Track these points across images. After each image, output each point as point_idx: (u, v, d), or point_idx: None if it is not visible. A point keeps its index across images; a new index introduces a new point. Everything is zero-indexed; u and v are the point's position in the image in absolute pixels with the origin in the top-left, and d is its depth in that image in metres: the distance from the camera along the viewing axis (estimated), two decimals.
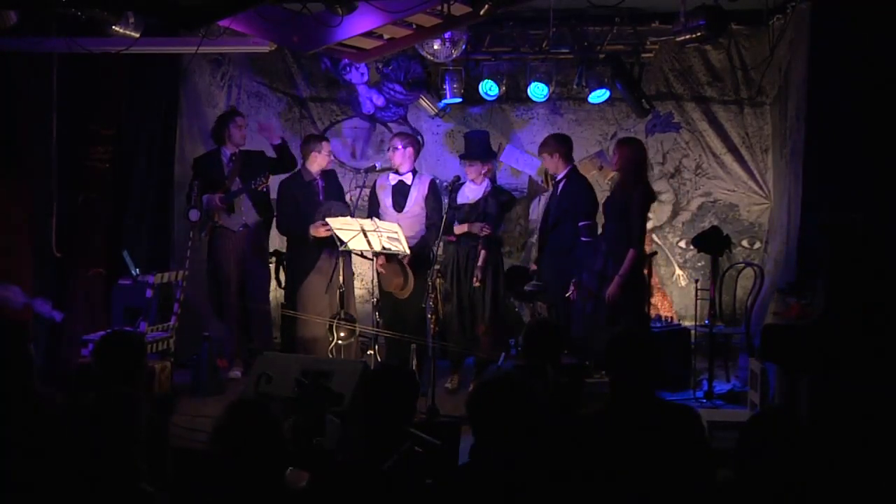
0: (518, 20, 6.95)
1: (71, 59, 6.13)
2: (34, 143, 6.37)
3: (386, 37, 6.17)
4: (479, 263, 6.25)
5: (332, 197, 6.62)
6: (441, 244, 6.11)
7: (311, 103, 7.87)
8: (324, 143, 6.63)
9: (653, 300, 6.74)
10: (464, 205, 6.38)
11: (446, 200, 6.48)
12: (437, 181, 6.88)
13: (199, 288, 6.99)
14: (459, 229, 6.33)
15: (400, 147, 6.55)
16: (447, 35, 6.58)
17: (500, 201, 6.39)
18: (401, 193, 6.58)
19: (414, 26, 5.99)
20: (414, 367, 5.97)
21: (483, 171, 6.42)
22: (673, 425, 3.14)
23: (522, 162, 7.56)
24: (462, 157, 6.60)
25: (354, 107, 7.64)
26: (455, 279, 6.36)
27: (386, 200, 6.61)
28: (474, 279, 6.24)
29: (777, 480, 2.55)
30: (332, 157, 6.85)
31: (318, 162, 6.57)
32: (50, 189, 6.33)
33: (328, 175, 6.72)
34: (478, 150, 6.46)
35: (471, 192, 6.42)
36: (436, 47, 6.77)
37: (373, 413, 3.10)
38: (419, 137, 7.64)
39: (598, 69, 7.16)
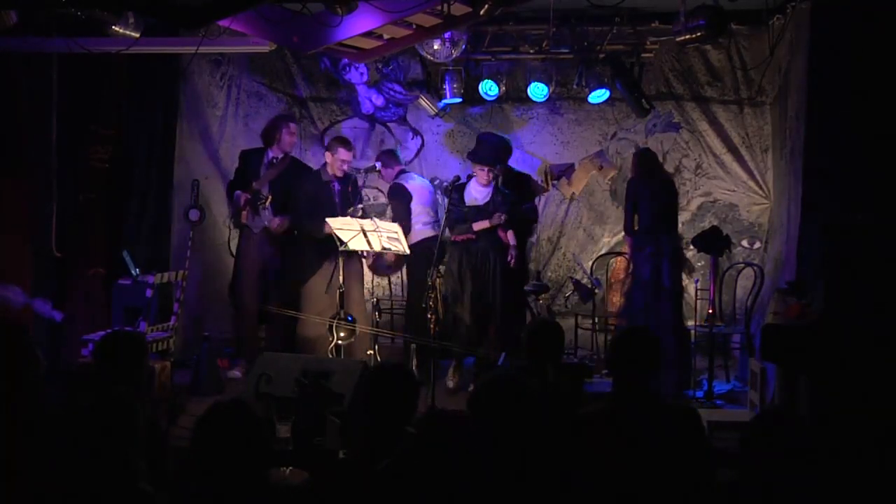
0: (518, 20, 6.95)
1: (71, 59, 6.13)
2: (34, 143, 6.36)
3: (386, 37, 6.17)
4: (513, 243, 6.29)
5: (346, 202, 6.52)
6: (442, 243, 6.09)
7: (310, 103, 7.87)
8: (340, 149, 6.53)
9: None
10: (471, 207, 6.36)
11: (446, 199, 6.46)
12: (437, 181, 6.88)
13: (199, 288, 6.99)
14: (479, 226, 6.32)
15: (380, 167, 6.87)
16: (447, 35, 6.58)
17: (507, 199, 6.39)
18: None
19: (414, 26, 5.99)
20: (414, 367, 5.97)
21: (494, 174, 6.42)
22: (673, 425, 3.14)
23: (522, 162, 7.56)
24: (472, 158, 6.55)
25: (354, 107, 7.64)
26: (471, 279, 6.32)
27: None
28: (509, 258, 6.28)
29: (779, 481, 2.55)
30: (344, 165, 6.62)
31: (331, 164, 6.52)
32: (50, 189, 6.33)
33: (345, 180, 6.63)
34: (487, 154, 6.41)
35: (478, 194, 6.40)
36: (436, 47, 6.77)
37: (372, 413, 3.09)
38: (419, 137, 7.66)
39: (598, 69, 7.17)
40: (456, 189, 6.29)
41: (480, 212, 6.33)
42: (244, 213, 6.59)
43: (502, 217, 6.27)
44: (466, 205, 6.35)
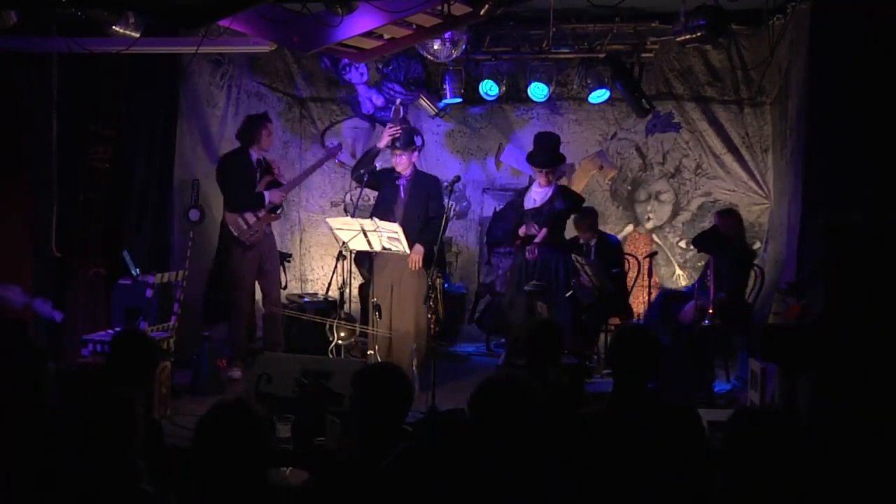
0: (518, 20, 6.96)
1: (71, 59, 6.12)
2: (34, 143, 6.36)
3: (386, 37, 6.17)
4: (537, 240, 6.26)
5: (414, 198, 6.28)
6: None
7: (311, 103, 7.88)
8: (397, 155, 6.29)
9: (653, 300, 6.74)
10: (530, 209, 6.38)
11: (447, 201, 6.43)
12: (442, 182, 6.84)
13: (200, 288, 6.99)
14: (522, 231, 6.35)
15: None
16: (447, 35, 6.58)
17: (565, 203, 6.38)
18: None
19: (414, 26, 5.99)
20: (414, 367, 5.97)
21: (553, 175, 6.41)
22: (673, 425, 3.14)
23: (522, 162, 7.56)
24: (530, 162, 6.49)
25: (354, 107, 7.64)
26: (518, 287, 6.33)
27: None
28: (528, 254, 6.27)
29: (768, 479, 2.54)
30: (402, 163, 6.30)
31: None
32: (50, 189, 6.32)
33: (415, 178, 6.34)
34: (545, 157, 6.35)
35: (537, 196, 6.41)
36: (436, 47, 6.77)
37: (365, 413, 3.08)
38: (420, 137, 7.65)
39: (598, 69, 7.17)
40: (519, 193, 6.35)
41: (537, 213, 6.34)
42: (265, 217, 6.51)
43: (533, 228, 6.29)
44: (525, 209, 6.38)
